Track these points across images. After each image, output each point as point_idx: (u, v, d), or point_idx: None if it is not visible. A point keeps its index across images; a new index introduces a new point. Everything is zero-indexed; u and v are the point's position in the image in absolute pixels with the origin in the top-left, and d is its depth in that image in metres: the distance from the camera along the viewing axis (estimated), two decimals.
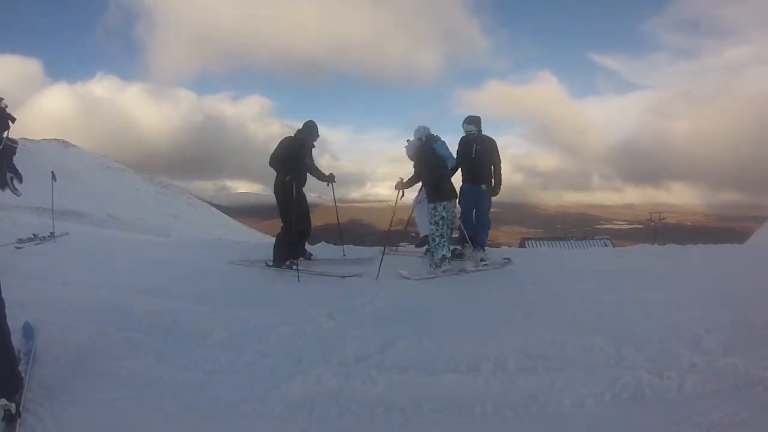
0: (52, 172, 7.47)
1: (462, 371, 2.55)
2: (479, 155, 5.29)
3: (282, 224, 5.13)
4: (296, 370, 2.58)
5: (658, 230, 29.30)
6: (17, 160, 2.85)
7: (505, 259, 5.31)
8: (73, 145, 33.11)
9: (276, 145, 5.13)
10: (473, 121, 5.45)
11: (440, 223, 4.86)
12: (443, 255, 4.85)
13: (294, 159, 5.03)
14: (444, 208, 4.87)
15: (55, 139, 32.81)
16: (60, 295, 4.03)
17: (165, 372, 2.65)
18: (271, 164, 5.08)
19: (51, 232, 7.29)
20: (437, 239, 4.88)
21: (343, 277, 4.72)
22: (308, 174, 5.40)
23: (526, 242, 25.43)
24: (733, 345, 2.78)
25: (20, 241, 6.59)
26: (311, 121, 5.29)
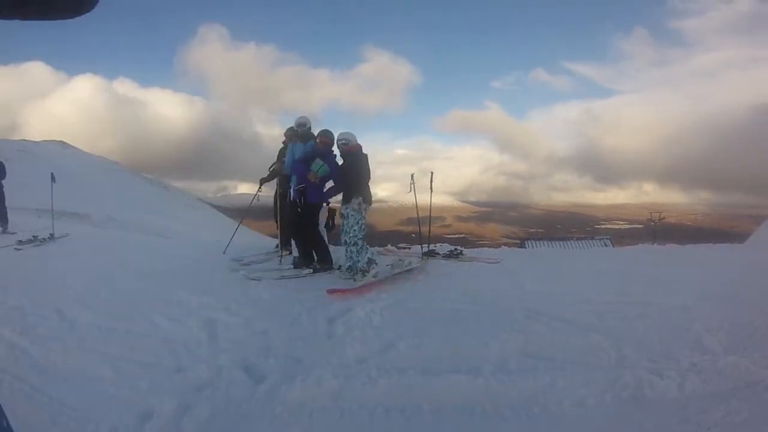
0: (52, 173, 7.45)
1: (462, 371, 2.54)
2: None
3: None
4: (296, 371, 2.57)
5: (657, 230, 29.31)
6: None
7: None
8: (73, 147, 33.07)
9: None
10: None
11: (364, 226, 4.80)
12: (369, 258, 4.72)
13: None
14: (365, 210, 4.82)
15: (55, 141, 32.79)
16: (59, 301, 4.02)
17: (164, 374, 2.65)
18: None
19: (51, 234, 7.27)
20: (359, 242, 4.75)
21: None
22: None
23: (526, 242, 25.54)
24: (733, 345, 2.79)
25: (20, 242, 6.58)
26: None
